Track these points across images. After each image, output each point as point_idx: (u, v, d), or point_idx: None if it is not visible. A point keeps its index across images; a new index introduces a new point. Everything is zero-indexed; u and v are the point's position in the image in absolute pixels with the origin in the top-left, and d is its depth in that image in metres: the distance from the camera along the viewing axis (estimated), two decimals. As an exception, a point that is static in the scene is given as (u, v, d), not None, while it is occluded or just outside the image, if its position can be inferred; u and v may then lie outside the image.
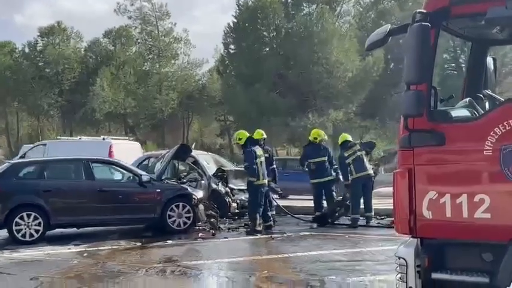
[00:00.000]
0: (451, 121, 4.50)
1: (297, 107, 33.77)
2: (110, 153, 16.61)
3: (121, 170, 12.68)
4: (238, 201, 15.10)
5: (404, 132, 4.54)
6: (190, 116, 59.82)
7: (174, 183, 13.31)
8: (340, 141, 13.82)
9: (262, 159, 12.62)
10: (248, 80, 35.78)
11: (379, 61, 35.98)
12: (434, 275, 4.43)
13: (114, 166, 12.82)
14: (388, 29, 4.85)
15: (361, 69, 35.33)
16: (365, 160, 13.33)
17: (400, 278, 4.59)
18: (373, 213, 13.49)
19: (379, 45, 5.03)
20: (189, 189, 12.98)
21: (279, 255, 9.65)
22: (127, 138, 25.77)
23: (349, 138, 13.82)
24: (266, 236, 11.87)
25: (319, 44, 34.11)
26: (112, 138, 19.50)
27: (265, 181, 12.58)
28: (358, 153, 13.25)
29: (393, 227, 11.24)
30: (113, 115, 52.85)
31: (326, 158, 13.66)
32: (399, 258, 4.59)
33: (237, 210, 14.96)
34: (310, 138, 14.14)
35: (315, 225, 13.39)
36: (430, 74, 4.43)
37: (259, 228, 12.25)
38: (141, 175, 12.42)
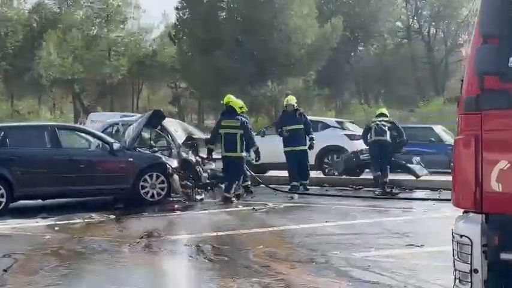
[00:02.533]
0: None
1: (256, 74, 33.04)
2: None
3: (90, 137, 11.81)
4: (208, 171, 14.41)
5: (469, 93, 3.95)
6: (141, 83, 58.34)
7: (147, 151, 12.52)
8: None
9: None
10: (205, 46, 34.75)
11: (337, 28, 35.55)
12: (504, 256, 3.90)
13: (82, 133, 11.94)
14: None
15: (319, 36, 34.81)
16: (387, 132, 13.62)
17: (460, 259, 4.06)
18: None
19: None
20: (163, 158, 12.22)
21: (270, 229, 9.06)
22: None
23: (385, 112, 14.48)
24: (248, 207, 11.29)
25: (278, 8, 33.36)
26: None
27: None
28: (386, 124, 13.70)
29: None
30: (60, 81, 50.85)
31: (301, 126, 13.18)
32: (461, 236, 4.05)
33: (208, 181, 14.28)
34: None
35: (296, 196, 12.88)
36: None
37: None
38: (112, 143, 11.58)
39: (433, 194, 12.78)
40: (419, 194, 13.12)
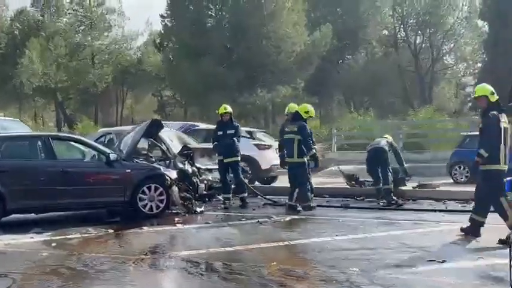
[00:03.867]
0: None
1: (245, 82, 32.65)
2: None
3: (85, 147, 11.30)
4: (205, 181, 13.99)
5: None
6: (125, 92, 57.69)
7: (145, 162, 12.05)
8: None
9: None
10: (193, 53, 34.33)
11: (326, 36, 35.34)
12: None
13: (77, 143, 11.42)
14: None
15: (309, 44, 34.56)
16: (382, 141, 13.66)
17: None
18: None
19: None
20: (161, 169, 11.75)
21: (280, 243, 8.63)
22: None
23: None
24: (252, 220, 10.87)
25: (267, 16, 33.07)
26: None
27: None
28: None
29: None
30: (43, 90, 50.07)
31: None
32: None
33: (205, 192, 13.85)
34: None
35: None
36: None
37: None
38: (109, 153, 11.08)
39: (438, 205, 12.50)
40: (425, 205, 12.76)
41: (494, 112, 8.64)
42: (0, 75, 49.96)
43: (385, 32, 50.83)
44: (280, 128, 13.31)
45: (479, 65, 50.41)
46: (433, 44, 48.97)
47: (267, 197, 13.70)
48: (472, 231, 8.80)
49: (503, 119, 8.71)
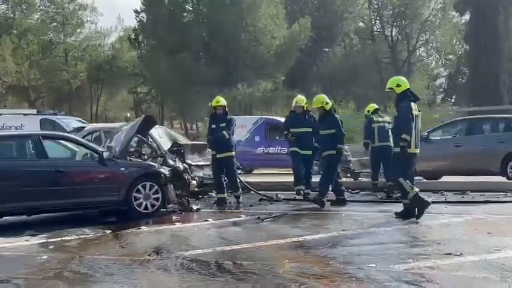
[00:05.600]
0: None
1: (224, 77, 32.30)
2: None
3: (77, 146, 10.92)
4: (196, 178, 13.69)
5: None
6: (100, 89, 56.88)
7: (139, 160, 11.71)
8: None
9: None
10: (169, 49, 33.84)
11: (305, 29, 35.20)
12: None
13: (69, 142, 11.03)
14: None
15: (287, 37, 34.36)
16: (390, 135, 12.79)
17: None
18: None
19: None
20: (156, 166, 11.43)
21: (287, 240, 8.37)
22: None
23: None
24: (252, 217, 10.62)
25: (246, 9, 32.79)
26: None
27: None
28: (388, 126, 13.12)
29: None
30: (16, 88, 49.08)
31: (310, 129, 12.41)
32: None
33: (196, 189, 13.55)
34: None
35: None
36: None
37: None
38: (102, 152, 10.72)
39: (437, 196, 12.41)
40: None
41: (405, 103, 9.71)
42: (-29, 73, 48.87)
43: (361, 24, 50.88)
44: (287, 120, 12.94)
45: (450, 56, 50.78)
46: (409, 36, 49.13)
47: (261, 192, 13.46)
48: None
49: (415, 107, 9.77)
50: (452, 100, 48.21)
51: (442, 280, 5.97)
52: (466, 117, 18.61)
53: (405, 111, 9.67)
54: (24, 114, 24.75)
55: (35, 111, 26.80)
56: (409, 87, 9.95)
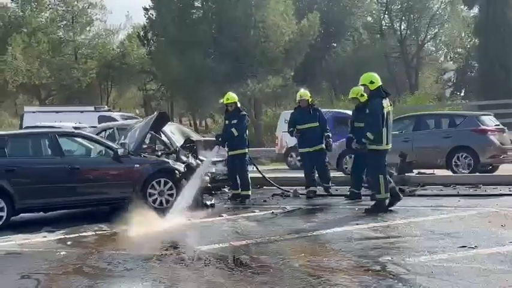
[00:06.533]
0: None
1: (234, 73, 32.30)
2: None
3: (93, 143, 11.05)
4: (209, 174, 13.76)
5: None
6: (110, 86, 57.05)
7: (153, 156, 11.80)
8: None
9: None
10: (179, 46, 33.88)
11: (314, 24, 35.18)
12: None
13: (84, 139, 11.15)
14: None
15: (297, 32, 34.36)
16: None
17: None
18: None
19: None
20: (170, 162, 11.52)
21: (302, 234, 8.46)
22: None
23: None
24: (266, 212, 10.71)
25: (255, 5, 32.81)
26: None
27: None
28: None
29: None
30: (27, 87, 49.30)
31: (317, 124, 12.39)
32: None
33: (209, 185, 13.61)
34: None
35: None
36: None
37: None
38: (116, 149, 10.84)
39: (449, 190, 12.45)
40: (435, 191, 12.65)
41: (378, 100, 9.82)
42: (-18, 72, 49.13)
43: (370, 19, 50.72)
44: (293, 116, 12.88)
45: (459, 50, 50.51)
46: (418, 30, 48.94)
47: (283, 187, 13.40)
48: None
49: (386, 104, 9.89)
50: (462, 94, 48.03)
51: (458, 272, 6.04)
52: (413, 113, 18.92)
53: (377, 108, 9.81)
54: (81, 112, 25.23)
55: (92, 108, 27.65)
56: (381, 83, 10.01)
